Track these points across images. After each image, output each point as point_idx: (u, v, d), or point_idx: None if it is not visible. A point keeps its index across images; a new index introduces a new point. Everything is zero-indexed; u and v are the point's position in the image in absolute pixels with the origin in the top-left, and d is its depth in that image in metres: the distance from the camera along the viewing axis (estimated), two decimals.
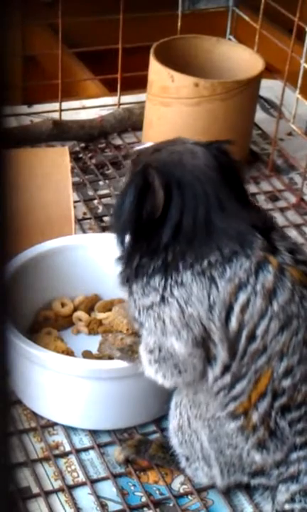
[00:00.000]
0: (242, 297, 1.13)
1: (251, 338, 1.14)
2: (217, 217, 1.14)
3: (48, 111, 2.16)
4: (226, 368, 1.16)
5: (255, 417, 1.18)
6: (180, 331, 1.15)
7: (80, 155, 2.07)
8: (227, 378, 1.17)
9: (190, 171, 1.15)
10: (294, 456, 1.21)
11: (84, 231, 1.80)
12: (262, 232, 1.16)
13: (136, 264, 1.18)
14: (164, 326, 1.17)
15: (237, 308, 1.13)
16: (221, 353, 1.15)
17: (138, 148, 1.24)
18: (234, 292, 1.13)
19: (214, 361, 1.16)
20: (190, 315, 1.14)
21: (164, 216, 1.14)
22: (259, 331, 1.14)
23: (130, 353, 1.29)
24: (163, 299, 1.15)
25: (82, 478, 1.32)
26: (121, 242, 1.18)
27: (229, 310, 1.13)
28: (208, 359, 1.17)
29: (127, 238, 1.18)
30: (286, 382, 1.16)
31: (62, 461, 1.34)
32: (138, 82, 2.05)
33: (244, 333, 1.14)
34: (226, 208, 1.15)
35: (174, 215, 1.14)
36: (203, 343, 1.15)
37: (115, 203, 1.18)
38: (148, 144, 1.24)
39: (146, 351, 1.22)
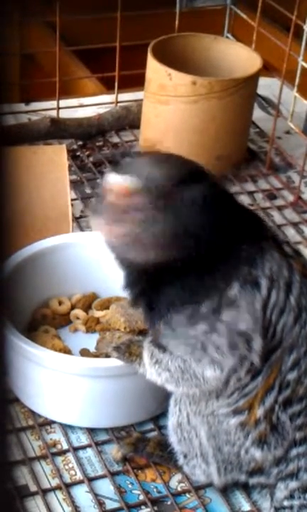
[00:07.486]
0: (273, 296, 1.11)
1: (273, 335, 1.13)
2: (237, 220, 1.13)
3: (46, 109, 2.16)
4: (249, 369, 1.14)
5: (260, 411, 1.16)
6: (225, 358, 1.12)
7: (78, 153, 2.07)
8: (247, 378, 1.15)
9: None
10: (294, 452, 1.20)
11: (81, 229, 1.80)
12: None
13: (177, 293, 1.11)
14: (203, 355, 1.13)
15: (269, 310, 1.12)
16: (254, 358, 1.13)
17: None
18: (269, 289, 1.11)
19: (240, 367, 1.14)
20: (242, 333, 1.11)
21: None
22: (279, 327, 1.13)
23: (127, 354, 1.27)
24: (211, 325, 1.11)
25: (79, 476, 1.32)
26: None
27: (265, 312, 1.12)
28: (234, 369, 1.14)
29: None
30: (292, 375, 1.15)
31: (59, 459, 1.34)
32: (136, 80, 2.05)
33: (270, 332, 1.13)
34: (238, 208, 1.15)
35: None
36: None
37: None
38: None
39: (158, 365, 1.19)
